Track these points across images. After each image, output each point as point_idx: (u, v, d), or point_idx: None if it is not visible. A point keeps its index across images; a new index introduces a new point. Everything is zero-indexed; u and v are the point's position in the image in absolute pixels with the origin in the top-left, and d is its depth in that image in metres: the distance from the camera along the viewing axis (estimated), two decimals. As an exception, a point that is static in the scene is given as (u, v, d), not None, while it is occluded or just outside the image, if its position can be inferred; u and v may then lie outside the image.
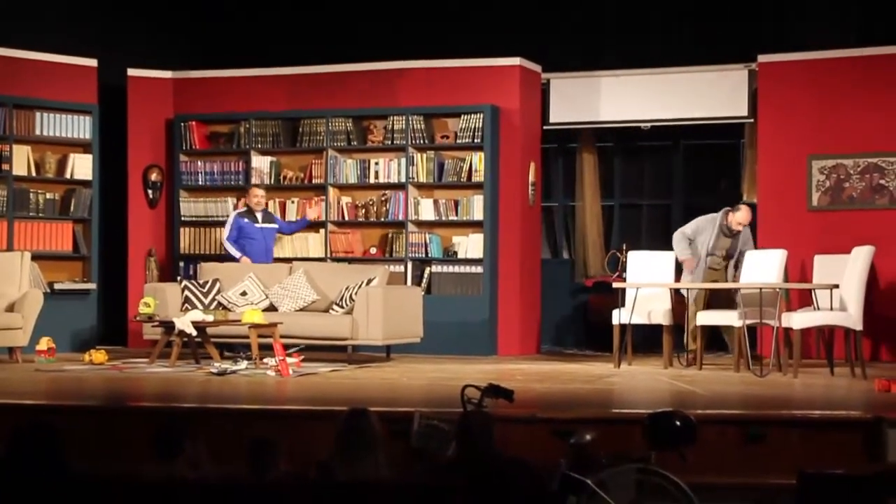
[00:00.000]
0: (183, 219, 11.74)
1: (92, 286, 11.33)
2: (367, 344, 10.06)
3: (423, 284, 10.99)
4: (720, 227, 9.64)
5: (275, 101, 11.71)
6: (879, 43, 10.58)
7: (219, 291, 10.50)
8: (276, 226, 11.02)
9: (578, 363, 10.31)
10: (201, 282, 10.65)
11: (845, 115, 10.63)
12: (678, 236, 9.82)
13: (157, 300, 9.97)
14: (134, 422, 6.71)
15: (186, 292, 10.44)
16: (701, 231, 9.72)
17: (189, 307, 10.18)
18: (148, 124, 11.92)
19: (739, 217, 9.60)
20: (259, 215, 10.87)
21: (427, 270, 11.08)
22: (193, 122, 11.77)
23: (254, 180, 11.54)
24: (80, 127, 11.33)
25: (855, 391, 8.13)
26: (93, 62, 11.44)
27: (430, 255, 11.09)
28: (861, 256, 9.03)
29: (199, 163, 11.76)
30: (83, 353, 9.90)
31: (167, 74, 11.99)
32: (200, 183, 11.74)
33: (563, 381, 8.67)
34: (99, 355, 9.63)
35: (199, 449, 4.99)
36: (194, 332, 9.46)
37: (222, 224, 11.66)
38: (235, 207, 11.23)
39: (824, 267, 9.57)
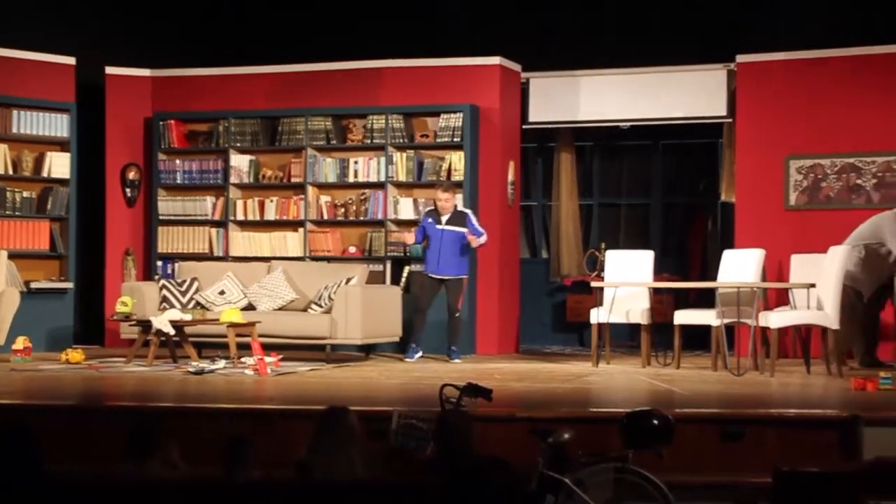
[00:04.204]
0: (161, 218, 11.70)
1: (69, 285, 11.28)
2: (345, 343, 10.05)
3: (402, 284, 10.98)
4: None
5: (254, 99, 11.69)
6: (857, 44, 10.64)
7: (197, 290, 10.47)
8: (461, 230, 10.10)
9: (557, 362, 10.32)
10: (179, 281, 10.61)
11: (823, 116, 10.69)
12: None
13: (134, 299, 9.93)
14: (110, 421, 6.68)
15: (164, 291, 10.40)
16: None
17: (167, 306, 10.14)
18: (126, 122, 11.87)
19: None
20: (445, 217, 10.17)
21: (406, 270, 11.08)
22: (172, 121, 11.73)
23: (232, 179, 11.52)
24: (58, 125, 11.28)
25: (831, 390, 8.17)
26: (71, 60, 11.39)
27: (409, 254, 11.09)
28: (838, 256, 9.08)
29: (177, 161, 11.72)
30: (60, 352, 9.85)
31: (145, 72, 11.94)
32: (179, 182, 11.70)
33: (542, 380, 8.69)
34: (75, 354, 9.58)
35: (175, 448, 4.97)
36: (172, 332, 9.43)
37: (201, 223, 11.64)
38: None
39: (801, 266, 9.62)
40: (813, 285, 9.00)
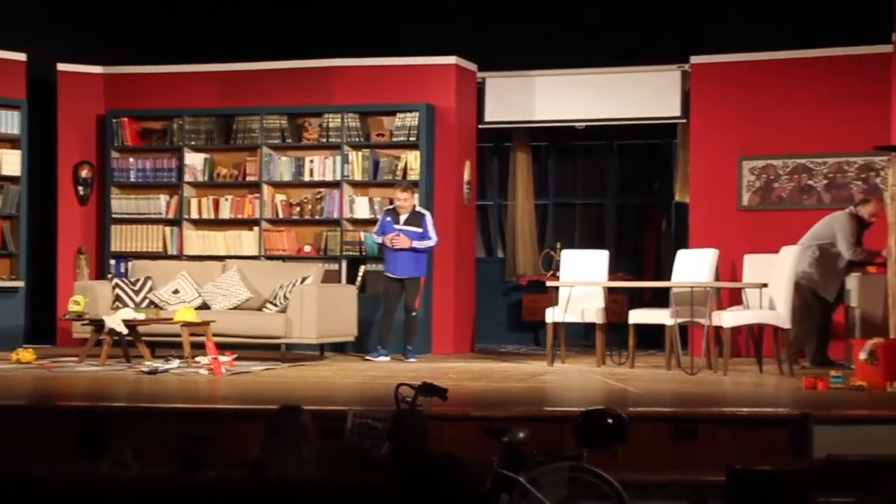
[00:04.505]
0: (114, 216, 11.60)
1: (20, 284, 11.15)
2: (300, 342, 10.02)
3: (357, 283, 10.96)
4: (862, 221, 9.54)
5: (208, 97, 11.62)
6: (809, 46, 10.76)
7: (151, 289, 10.39)
8: (419, 230, 10.11)
9: (512, 361, 10.35)
10: (133, 280, 10.53)
11: (775, 117, 10.79)
12: (855, 249, 9.37)
13: (87, 298, 9.84)
14: (61, 421, 6.61)
15: (117, 290, 10.32)
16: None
17: (120, 305, 10.06)
18: (78, 120, 11.75)
19: (872, 208, 9.51)
20: (403, 217, 10.16)
21: (362, 269, 11.06)
22: (125, 119, 11.63)
23: (187, 177, 11.44)
24: (9, 122, 11.14)
25: (783, 388, 8.25)
26: (21, 56, 11.25)
27: (364, 253, 11.07)
28: (790, 256, 9.18)
29: (130, 159, 11.62)
30: (10, 351, 9.73)
31: (98, 70, 11.83)
32: (132, 180, 11.61)
33: (497, 379, 8.70)
34: (26, 354, 9.48)
35: (127, 448, 4.93)
36: (125, 331, 9.35)
37: (155, 222, 11.55)
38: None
39: (754, 266, 9.71)
40: (765, 285, 9.09)
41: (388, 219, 10.25)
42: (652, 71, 11.53)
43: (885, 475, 4.72)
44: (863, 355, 7.92)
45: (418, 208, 10.36)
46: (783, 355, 8.99)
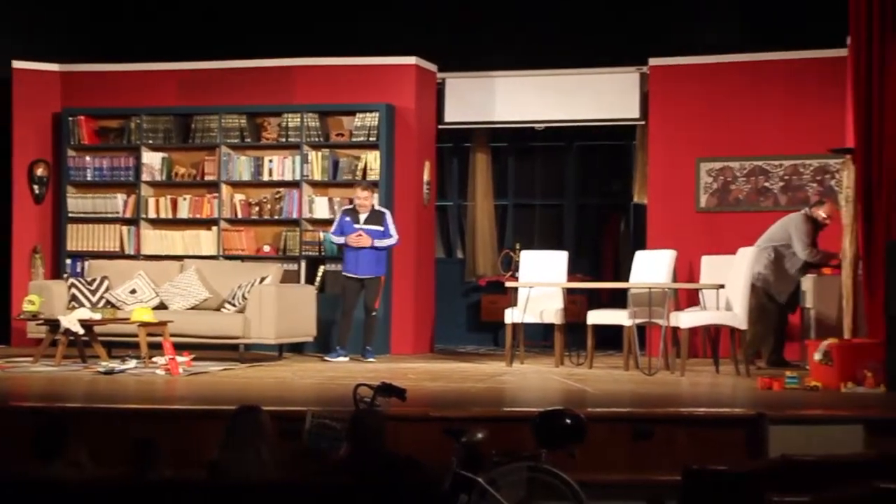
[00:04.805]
0: (70, 215, 11.49)
1: (-26, 283, 11.03)
2: (259, 343, 9.97)
3: (316, 283, 10.93)
4: (817, 223, 9.61)
5: (166, 96, 11.54)
6: (765, 49, 10.86)
7: (107, 289, 10.31)
8: (379, 228, 10.12)
9: (471, 362, 10.36)
10: (89, 279, 10.44)
11: (732, 119, 10.88)
12: (811, 251, 9.46)
13: (42, 298, 9.75)
14: (16, 422, 6.54)
15: (73, 290, 10.23)
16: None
17: (76, 305, 9.97)
18: (34, 118, 11.63)
19: (827, 210, 9.59)
20: (363, 216, 10.18)
21: (321, 269, 11.03)
22: (82, 117, 11.53)
23: (144, 177, 11.35)
24: (-37, 119, 11.02)
25: (739, 389, 8.32)
26: (-24, 53, 11.14)
27: (324, 253, 11.04)
28: (746, 257, 9.25)
29: (87, 158, 11.52)
30: (-36, 352, 9.63)
31: (54, 67, 11.72)
32: (89, 178, 11.51)
33: (456, 379, 8.71)
34: (-19, 354, 9.38)
35: (82, 449, 4.89)
36: (81, 331, 9.27)
37: (112, 221, 11.46)
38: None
39: (711, 267, 9.78)
40: (722, 286, 9.16)
41: (348, 219, 10.24)
42: (611, 73, 11.59)
43: (840, 475, 4.77)
44: (817, 356, 8.01)
45: (378, 207, 10.36)
46: (740, 356, 9.06)
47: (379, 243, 10.17)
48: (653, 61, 11.17)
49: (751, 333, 9.38)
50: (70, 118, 11.53)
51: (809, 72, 10.65)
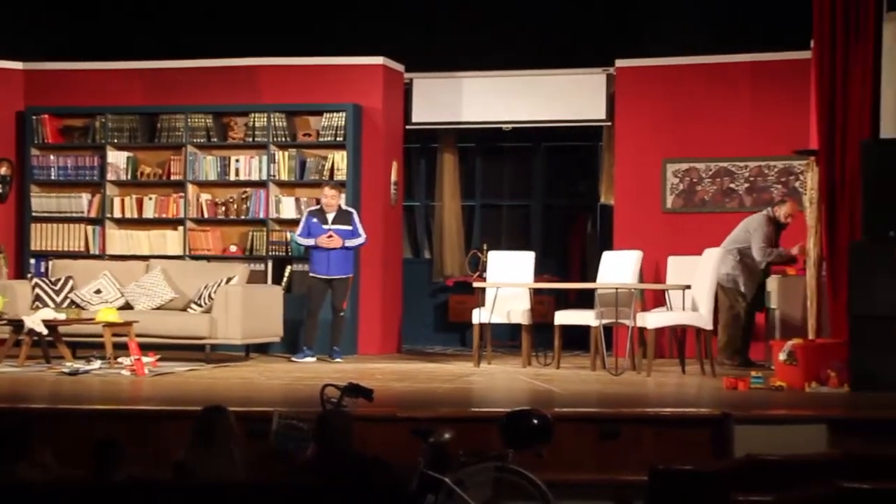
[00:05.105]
0: (34, 214, 11.39)
1: (-64, 283, 10.91)
2: (225, 343, 9.93)
3: (283, 283, 10.90)
4: (778, 223, 9.64)
5: (132, 95, 11.47)
6: (731, 51, 10.93)
7: (72, 289, 10.24)
8: (348, 227, 10.10)
9: (438, 362, 10.36)
10: (53, 279, 10.36)
11: (698, 120, 10.95)
12: (766, 252, 9.51)
13: (5, 298, 9.67)
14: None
15: (37, 290, 10.15)
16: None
17: (40, 305, 9.90)
18: (-3, 116, 11.54)
19: (788, 209, 9.63)
20: (330, 216, 10.15)
21: (288, 269, 10.99)
22: (46, 115, 11.44)
23: (110, 176, 11.28)
24: (-75, 118, 10.91)
25: (705, 389, 8.37)
26: (-62, 50, 11.03)
27: (290, 253, 11.01)
28: (712, 258, 9.31)
29: (51, 157, 11.43)
30: (-74, 352, 9.52)
31: (18, 65, 11.61)
32: (53, 178, 11.41)
33: (423, 380, 8.71)
34: (-57, 355, 9.28)
35: (47, 450, 4.86)
36: (45, 331, 9.20)
37: (77, 220, 11.37)
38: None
39: (677, 268, 9.83)
40: (688, 287, 9.21)
41: (315, 220, 10.22)
42: (578, 74, 11.63)
43: (803, 474, 4.81)
44: (782, 356, 8.07)
45: (345, 207, 10.34)
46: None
47: (349, 243, 10.16)
48: (619, 62, 11.22)
49: (727, 336, 9.43)
50: (34, 117, 11.43)
51: (774, 74, 10.73)
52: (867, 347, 7.72)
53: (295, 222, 10.83)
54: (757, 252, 9.53)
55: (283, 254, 11.02)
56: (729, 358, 9.38)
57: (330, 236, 10.09)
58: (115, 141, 11.34)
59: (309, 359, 10.03)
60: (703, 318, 9.16)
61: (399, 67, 11.52)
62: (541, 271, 11.07)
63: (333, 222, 10.17)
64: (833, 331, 8.32)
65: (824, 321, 8.57)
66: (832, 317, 8.34)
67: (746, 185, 10.86)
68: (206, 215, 11.19)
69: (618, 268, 9.58)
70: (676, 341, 9.75)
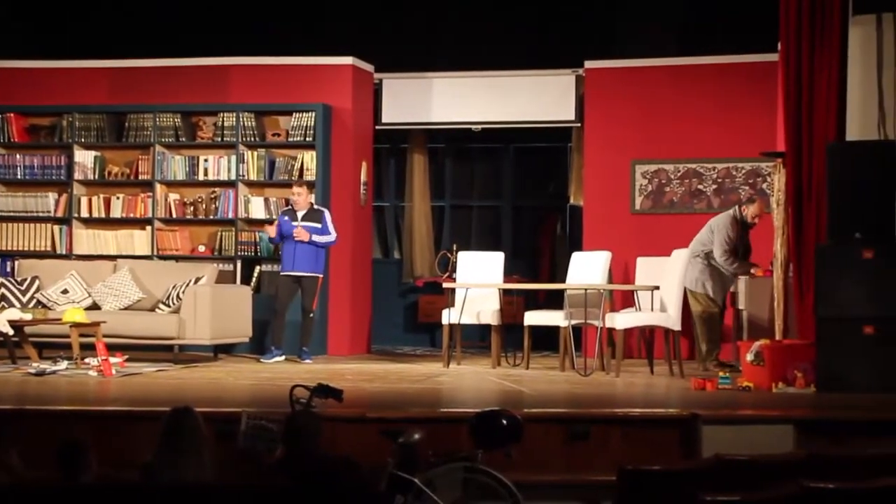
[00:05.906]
0: (0, 214, 11.30)
1: None
2: (194, 343, 9.89)
3: (252, 283, 10.86)
4: (745, 223, 9.63)
5: (99, 94, 11.39)
6: (699, 53, 11.00)
7: (38, 289, 10.16)
8: (318, 225, 10.11)
9: (408, 363, 10.36)
10: (19, 279, 10.28)
11: (667, 122, 11.01)
12: (728, 257, 9.41)
13: (-29, 298, 9.58)
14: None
15: (3, 290, 10.08)
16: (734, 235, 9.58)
17: (5, 305, 9.81)
18: (-37, 115, 11.43)
19: (756, 209, 9.63)
20: (300, 213, 10.15)
21: (257, 269, 10.96)
22: (12, 114, 11.35)
23: (77, 175, 11.20)
24: None
25: (673, 389, 8.41)
26: None
27: (259, 253, 10.97)
28: (680, 259, 9.35)
29: (17, 156, 11.33)
30: None
31: (-16, 63, 11.53)
32: (19, 177, 11.32)
33: (393, 380, 8.71)
34: None
35: (13, 452, 4.82)
36: (11, 332, 9.13)
37: (43, 220, 11.29)
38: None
39: (646, 269, 9.87)
40: (657, 287, 9.25)
41: (286, 218, 10.22)
42: (547, 75, 11.66)
43: (770, 474, 4.84)
44: (750, 357, 8.11)
45: (316, 206, 10.33)
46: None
47: (317, 238, 10.14)
48: (588, 64, 11.26)
49: (707, 342, 9.44)
50: (0, 115, 11.34)
51: (742, 76, 10.81)
52: (833, 349, 7.77)
53: (264, 222, 10.80)
54: (717, 254, 9.50)
55: (252, 254, 10.99)
56: (713, 364, 9.36)
57: (298, 230, 10.06)
58: (83, 140, 11.27)
59: (278, 359, 10.01)
60: (671, 318, 9.20)
61: (368, 68, 11.51)
62: (510, 272, 11.10)
63: (303, 219, 10.16)
64: (800, 332, 8.38)
65: (791, 322, 8.63)
66: (799, 318, 8.40)
67: (714, 186, 10.92)
68: (174, 215, 11.13)
69: (587, 268, 9.61)
70: (645, 342, 9.79)
